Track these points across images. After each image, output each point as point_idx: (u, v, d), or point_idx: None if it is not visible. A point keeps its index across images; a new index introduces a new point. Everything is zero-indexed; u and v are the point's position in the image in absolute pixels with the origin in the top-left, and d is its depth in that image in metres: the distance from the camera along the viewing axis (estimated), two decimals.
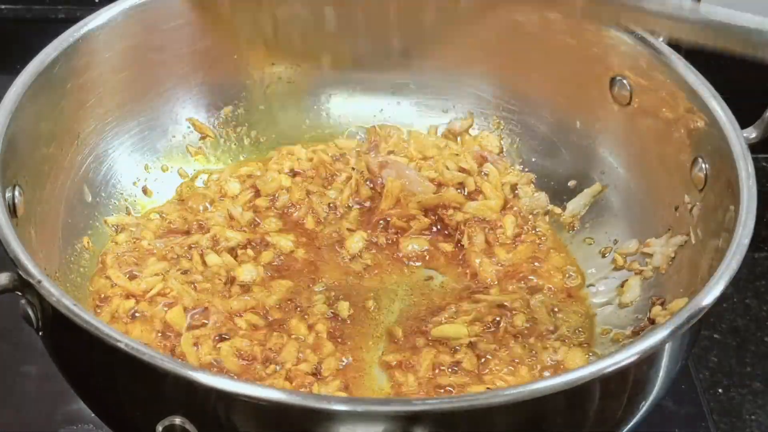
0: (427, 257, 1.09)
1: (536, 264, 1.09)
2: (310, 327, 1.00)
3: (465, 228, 1.11)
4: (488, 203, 1.13)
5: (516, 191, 1.16)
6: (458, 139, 1.21)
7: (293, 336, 0.99)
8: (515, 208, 1.14)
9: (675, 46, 1.07)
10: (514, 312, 1.03)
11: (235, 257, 1.06)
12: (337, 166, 1.17)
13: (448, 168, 1.15)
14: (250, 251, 1.07)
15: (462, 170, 1.15)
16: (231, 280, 1.04)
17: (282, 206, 1.12)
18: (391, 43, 1.20)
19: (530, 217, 1.14)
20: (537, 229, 1.12)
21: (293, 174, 1.16)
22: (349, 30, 1.19)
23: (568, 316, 1.04)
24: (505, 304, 1.03)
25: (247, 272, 1.05)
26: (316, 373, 0.96)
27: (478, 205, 1.12)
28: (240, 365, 0.96)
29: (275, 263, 1.07)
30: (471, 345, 0.99)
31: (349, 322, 1.02)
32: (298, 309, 1.02)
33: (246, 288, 1.03)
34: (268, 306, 1.02)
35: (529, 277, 1.08)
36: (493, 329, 1.01)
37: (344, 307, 1.02)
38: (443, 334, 1.00)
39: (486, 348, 0.99)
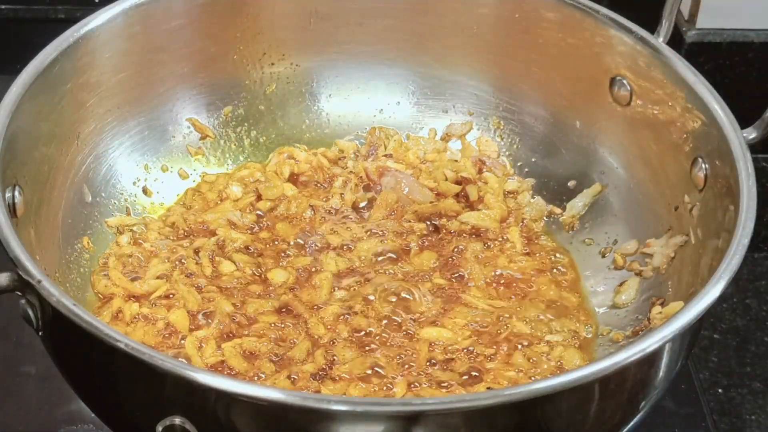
0: (437, 270, 1.09)
1: (535, 278, 1.09)
2: (330, 329, 1.00)
3: (457, 238, 1.11)
4: (490, 213, 1.13)
5: (516, 199, 1.16)
6: (458, 142, 1.21)
7: (310, 334, 0.99)
8: (518, 218, 1.14)
9: (675, 46, 1.08)
10: (509, 317, 1.03)
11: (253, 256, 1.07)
12: (335, 170, 1.17)
13: (446, 178, 1.15)
14: (269, 254, 1.07)
15: (461, 180, 1.15)
16: (263, 281, 1.04)
17: (283, 212, 1.13)
18: (391, 43, 1.20)
19: (533, 225, 1.14)
20: (544, 248, 1.12)
21: (293, 177, 1.16)
22: (348, 30, 1.19)
23: (565, 321, 1.04)
24: (502, 311, 1.03)
25: (279, 275, 1.05)
26: (319, 375, 0.96)
27: (480, 214, 1.12)
28: (245, 364, 0.96)
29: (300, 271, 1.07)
30: (467, 349, 0.99)
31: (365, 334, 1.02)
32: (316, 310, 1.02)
33: (270, 290, 1.04)
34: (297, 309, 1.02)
35: (528, 289, 1.07)
36: (489, 334, 1.01)
37: (362, 322, 1.02)
38: (429, 337, 1.00)
39: (482, 351, 0.99)
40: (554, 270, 1.10)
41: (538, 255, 1.11)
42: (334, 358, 0.97)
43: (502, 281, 1.07)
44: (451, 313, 1.03)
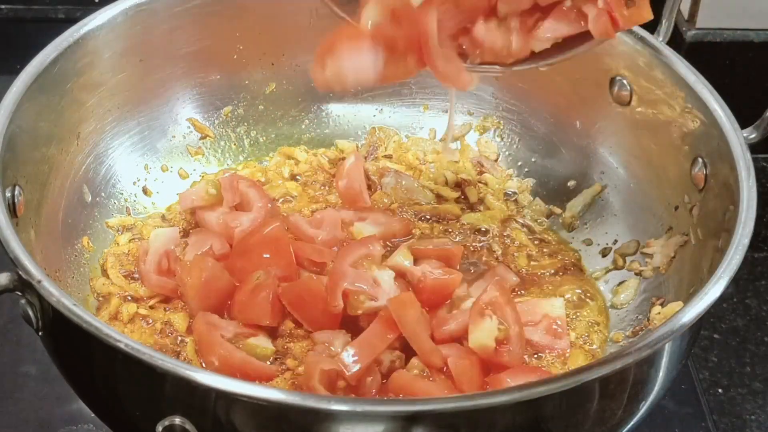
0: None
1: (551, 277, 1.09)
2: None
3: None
4: (492, 213, 1.13)
5: (516, 200, 1.16)
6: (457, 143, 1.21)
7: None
8: (519, 220, 1.14)
9: (675, 46, 1.08)
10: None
11: None
12: (334, 171, 1.17)
13: (447, 180, 1.15)
14: None
15: (461, 182, 1.15)
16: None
17: (286, 211, 1.13)
18: None
19: (535, 226, 1.14)
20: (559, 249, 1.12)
21: (293, 177, 1.16)
22: None
23: (575, 323, 1.04)
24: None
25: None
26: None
27: (480, 215, 1.12)
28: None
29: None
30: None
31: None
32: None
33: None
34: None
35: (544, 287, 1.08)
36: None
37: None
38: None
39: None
40: (567, 269, 1.10)
41: (554, 255, 1.11)
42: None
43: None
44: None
